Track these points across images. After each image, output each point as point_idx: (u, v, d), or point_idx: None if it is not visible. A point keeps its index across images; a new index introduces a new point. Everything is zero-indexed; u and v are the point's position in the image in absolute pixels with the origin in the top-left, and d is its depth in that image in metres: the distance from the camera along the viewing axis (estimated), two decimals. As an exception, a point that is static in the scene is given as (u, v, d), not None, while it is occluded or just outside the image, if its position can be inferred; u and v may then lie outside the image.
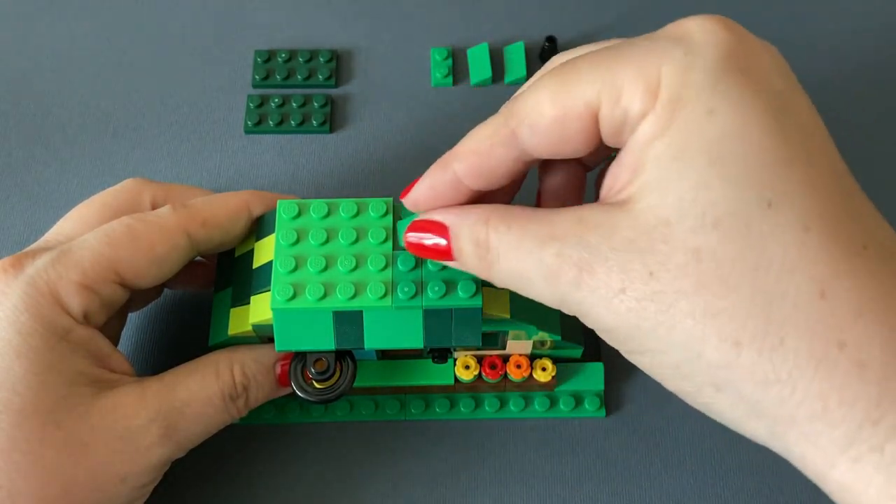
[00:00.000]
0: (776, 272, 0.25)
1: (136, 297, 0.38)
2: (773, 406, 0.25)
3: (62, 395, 0.31)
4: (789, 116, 0.26)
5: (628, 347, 0.28)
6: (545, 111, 0.28)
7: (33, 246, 0.35)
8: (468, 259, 0.30)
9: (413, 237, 0.31)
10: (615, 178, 0.28)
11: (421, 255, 0.31)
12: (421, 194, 0.31)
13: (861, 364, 0.25)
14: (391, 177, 0.45)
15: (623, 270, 0.26)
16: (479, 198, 0.31)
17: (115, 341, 0.37)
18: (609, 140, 0.28)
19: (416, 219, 0.31)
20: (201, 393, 0.34)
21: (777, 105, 0.26)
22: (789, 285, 0.25)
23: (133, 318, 0.41)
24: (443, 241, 0.30)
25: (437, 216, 0.31)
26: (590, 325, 0.29)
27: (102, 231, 0.34)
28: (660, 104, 0.26)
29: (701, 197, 0.25)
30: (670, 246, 0.26)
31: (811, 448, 0.25)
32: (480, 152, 0.30)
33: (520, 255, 0.28)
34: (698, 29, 0.27)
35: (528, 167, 0.31)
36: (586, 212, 0.28)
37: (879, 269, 0.25)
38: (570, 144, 0.29)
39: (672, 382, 0.28)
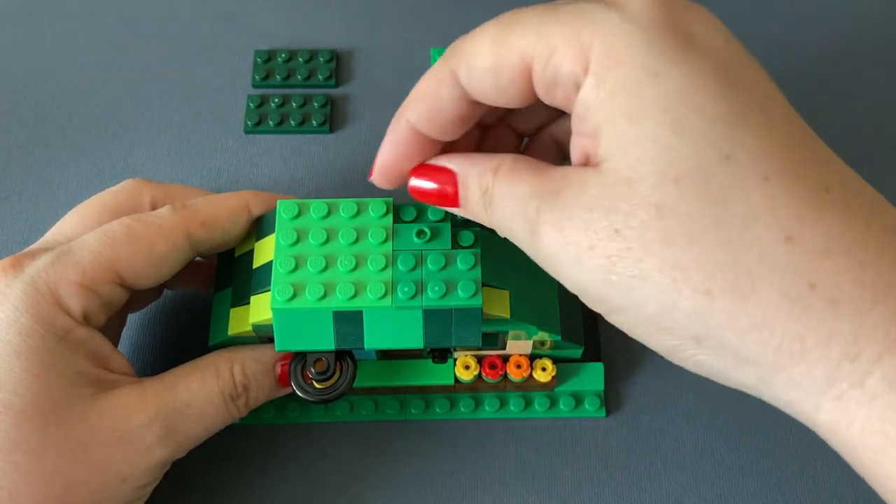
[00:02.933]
0: (740, 222, 0.25)
1: (136, 297, 0.38)
2: (755, 352, 0.26)
3: (62, 396, 0.31)
4: (734, 73, 0.27)
5: (605, 308, 0.28)
6: (483, 56, 0.29)
7: (33, 246, 0.35)
8: (474, 207, 0.30)
9: (418, 183, 0.32)
10: (580, 146, 0.28)
11: (424, 201, 0.32)
12: (385, 155, 0.32)
13: (833, 302, 0.25)
14: (391, 177, 0.45)
15: (590, 229, 0.27)
16: (446, 148, 0.32)
17: (114, 342, 0.37)
18: (543, 97, 0.29)
19: (422, 163, 0.32)
20: (201, 393, 0.34)
21: (720, 64, 0.26)
22: (754, 233, 0.25)
23: (133, 318, 0.41)
24: (449, 188, 0.31)
25: (443, 162, 0.31)
26: (568, 287, 0.29)
27: (102, 231, 0.34)
28: (595, 67, 0.27)
29: (659, 156, 0.26)
30: (632, 204, 0.26)
31: (797, 392, 0.26)
32: (426, 97, 0.31)
33: (512, 205, 0.29)
34: None
35: (477, 110, 0.31)
36: (571, 171, 0.28)
37: (843, 209, 0.26)
38: (505, 95, 0.29)
39: (655, 340, 0.28)
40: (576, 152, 0.29)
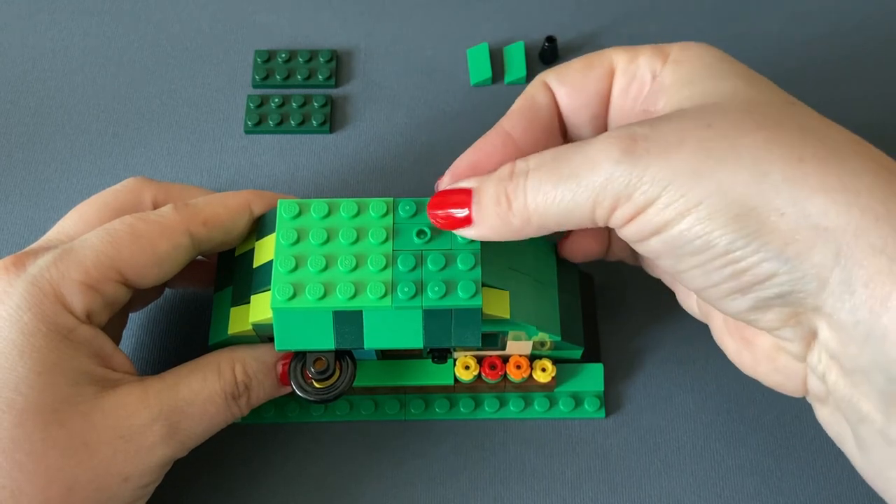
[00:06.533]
0: (816, 126, 0.29)
1: (137, 296, 0.38)
2: (841, 215, 0.28)
3: (65, 395, 0.31)
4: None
5: (689, 193, 0.29)
6: (575, 64, 0.35)
7: (35, 245, 0.35)
8: (489, 209, 0.32)
9: (436, 209, 0.33)
10: (646, 111, 0.33)
11: (442, 226, 0.33)
12: (469, 153, 0.34)
13: None
14: (391, 177, 0.46)
15: (680, 129, 0.29)
16: None
17: (116, 340, 0.37)
18: (618, 95, 0.34)
19: (439, 191, 0.34)
20: (203, 392, 0.34)
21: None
22: (828, 132, 0.29)
23: (133, 317, 0.41)
24: (465, 207, 0.33)
25: (461, 184, 0.33)
26: (642, 197, 0.29)
27: (104, 230, 0.34)
28: (675, 56, 0.33)
29: (740, 94, 0.30)
30: (723, 108, 0.30)
31: (877, 259, 0.27)
32: (522, 104, 0.35)
33: (556, 163, 0.31)
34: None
35: (557, 128, 0.35)
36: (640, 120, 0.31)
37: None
38: (587, 90, 0.34)
39: (731, 225, 0.29)
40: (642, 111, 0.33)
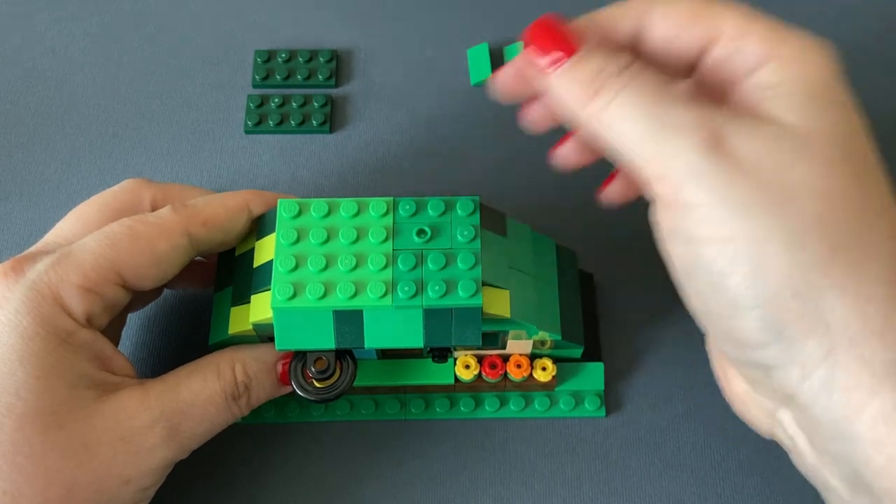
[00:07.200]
0: (867, 210, 0.29)
1: (136, 297, 0.37)
2: (843, 320, 0.27)
3: (65, 398, 0.31)
4: None
5: (728, 223, 0.28)
6: (681, 6, 0.31)
7: (33, 249, 0.35)
8: (573, 84, 0.30)
9: (540, 36, 0.31)
10: (750, 92, 0.31)
11: (535, 43, 0.31)
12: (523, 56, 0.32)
13: None
14: (391, 177, 0.46)
15: (758, 159, 0.28)
16: None
17: (115, 342, 0.37)
18: (710, 63, 0.31)
19: (549, 22, 0.31)
20: (203, 393, 0.34)
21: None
22: (874, 221, 0.28)
23: (133, 318, 0.41)
24: (557, 55, 0.30)
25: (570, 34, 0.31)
26: (689, 194, 0.29)
27: (103, 233, 0.34)
28: (784, 58, 0.30)
29: (827, 134, 0.29)
30: (805, 152, 0.29)
31: (862, 372, 0.27)
32: (609, 15, 0.32)
33: (652, 99, 0.29)
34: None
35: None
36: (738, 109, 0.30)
37: None
38: (683, 40, 0.31)
39: (748, 280, 0.28)
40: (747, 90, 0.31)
